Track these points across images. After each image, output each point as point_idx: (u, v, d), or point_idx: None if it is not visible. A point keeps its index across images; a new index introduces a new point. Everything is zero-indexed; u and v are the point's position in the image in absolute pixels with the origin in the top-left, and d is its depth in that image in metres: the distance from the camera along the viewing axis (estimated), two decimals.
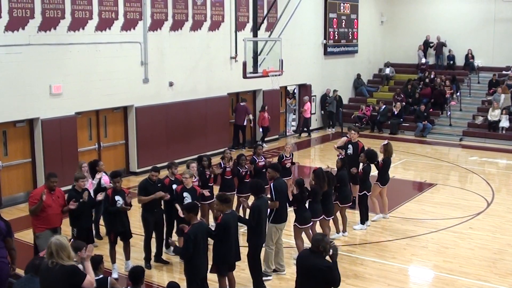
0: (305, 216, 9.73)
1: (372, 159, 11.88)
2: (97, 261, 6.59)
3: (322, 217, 10.21)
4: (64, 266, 5.62)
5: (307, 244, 10.25)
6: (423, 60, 26.26)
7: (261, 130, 20.30)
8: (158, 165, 10.48)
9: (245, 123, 19.45)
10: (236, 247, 8.21)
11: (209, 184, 11.08)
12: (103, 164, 11.05)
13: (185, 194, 9.62)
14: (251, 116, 19.54)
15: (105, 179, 10.58)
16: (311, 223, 9.93)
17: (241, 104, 19.40)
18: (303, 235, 9.94)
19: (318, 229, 10.38)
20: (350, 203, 11.61)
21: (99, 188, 10.21)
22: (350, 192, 11.50)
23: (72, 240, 7.91)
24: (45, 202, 8.63)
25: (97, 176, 10.63)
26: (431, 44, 26.35)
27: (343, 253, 10.15)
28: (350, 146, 12.82)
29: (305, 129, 22.43)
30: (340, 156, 11.45)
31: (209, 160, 11.31)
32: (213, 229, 8.32)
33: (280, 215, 9.33)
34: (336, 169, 11.19)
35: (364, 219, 11.74)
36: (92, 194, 9.67)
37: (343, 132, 13.56)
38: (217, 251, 8.00)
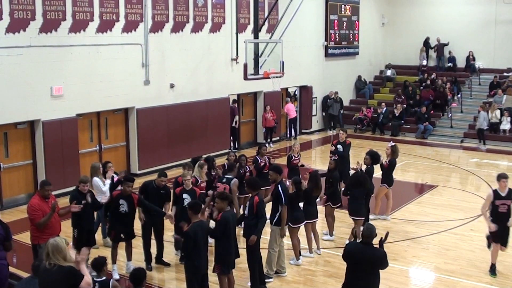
0: (297, 216, 9.73)
1: (376, 161, 11.89)
2: (100, 263, 6.58)
3: (316, 219, 10.21)
4: (62, 267, 5.64)
5: (303, 245, 10.29)
6: (424, 62, 26.25)
7: (263, 130, 20.29)
8: (160, 167, 10.45)
9: (233, 125, 19.40)
10: (235, 245, 8.24)
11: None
12: (112, 165, 10.95)
13: (184, 195, 9.64)
14: (236, 118, 19.55)
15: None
16: (304, 223, 9.93)
17: (230, 106, 19.45)
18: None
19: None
20: (340, 204, 11.43)
21: (112, 186, 10.22)
22: (340, 193, 11.49)
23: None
24: (45, 212, 8.45)
25: (108, 175, 10.61)
26: (432, 46, 26.33)
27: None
28: (340, 146, 13.06)
29: (293, 130, 22.15)
30: (334, 158, 11.45)
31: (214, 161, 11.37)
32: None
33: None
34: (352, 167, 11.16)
35: (364, 221, 11.70)
36: (108, 193, 9.83)
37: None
38: (219, 251, 8.01)
